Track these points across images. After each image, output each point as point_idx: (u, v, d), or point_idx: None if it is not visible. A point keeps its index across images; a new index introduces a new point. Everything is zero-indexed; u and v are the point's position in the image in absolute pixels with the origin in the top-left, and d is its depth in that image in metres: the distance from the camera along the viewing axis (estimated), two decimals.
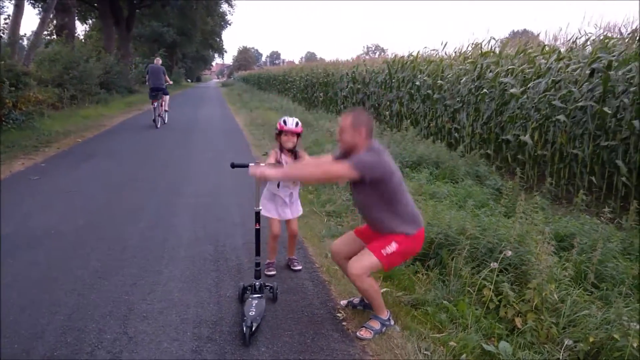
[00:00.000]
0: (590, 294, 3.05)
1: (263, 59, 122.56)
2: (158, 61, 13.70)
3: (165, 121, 13.90)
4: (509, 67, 7.98)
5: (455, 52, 10.59)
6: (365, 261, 2.81)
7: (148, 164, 8.54)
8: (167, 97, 13.75)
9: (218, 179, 7.26)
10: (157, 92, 12.95)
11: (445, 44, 10.99)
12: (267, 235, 3.85)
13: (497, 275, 3.16)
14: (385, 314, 2.96)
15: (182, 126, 14.39)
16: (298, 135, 3.70)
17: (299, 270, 3.90)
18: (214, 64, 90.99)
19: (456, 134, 9.05)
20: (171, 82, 15.50)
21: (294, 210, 3.87)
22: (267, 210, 3.77)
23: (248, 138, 11.73)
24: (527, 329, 2.76)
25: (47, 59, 16.25)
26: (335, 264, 3.38)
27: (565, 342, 2.56)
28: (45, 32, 21.29)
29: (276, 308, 3.26)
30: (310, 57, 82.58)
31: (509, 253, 3.07)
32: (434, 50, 11.30)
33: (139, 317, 3.11)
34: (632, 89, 5.65)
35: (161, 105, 13.27)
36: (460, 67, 9.62)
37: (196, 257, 4.16)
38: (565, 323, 2.77)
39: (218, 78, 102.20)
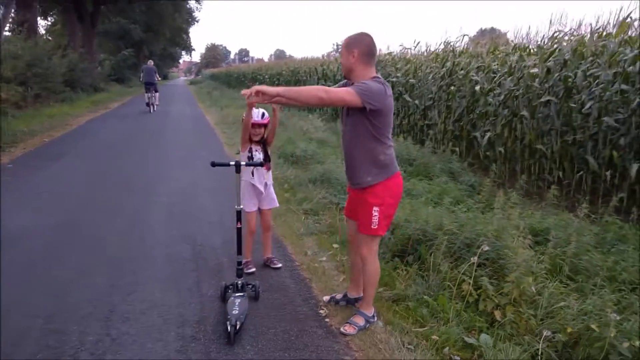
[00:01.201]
0: (566, 286, 3.15)
1: (232, 56, 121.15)
2: (150, 63, 18.22)
3: (156, 109, 17.60)
4: (479, 65, 8.16)
5: (426, 50, 10.74)
6: (367, 244, 2.88)
7: (120, 163, 8.33)
8: (157, 94, 17.91)
9: (192, 178, 7.14)
10: (150, 86, 17.25)
11: (418, 43, 11.12)
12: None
13: (476, 270, 3.23)
14: (370, 311, 2.99)
15: (152, 126, 14.12)
16: (264, 126, 3.70)
17: (279, 267, 3.89)
18: (181, 61, 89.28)
19: (429, 131, 9.19)
20: (160, 79, 20.07)
21: (269, 201, 3.86)
22: (245, 204, 3.73)
23: (220, 136, 11.59)
24: (507, 321, 2.84)
25: (8, 55, 15.61)
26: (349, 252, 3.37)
27: (544, 333, 2.64)
28: (6, 28, 20.47)
29: (259, 306, 3.24)
30: (280, 54, 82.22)
31: (486, 247, 3.15)
32: (406, 48, 11.44)
33: (121, 319, 3.04)
34: (594, 85, 5.86)
35: (155, 98, 17.57)
36: (432, 65, 9.78)
37: (175, 256, 4.09)
38: (543, 315, 2.85)
39: (186, 76, 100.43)
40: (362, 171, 2.83)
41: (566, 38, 7.05)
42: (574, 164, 6.19)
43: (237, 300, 3.04)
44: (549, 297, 2.92)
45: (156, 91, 17.58)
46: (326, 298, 3.32)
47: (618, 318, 2.44)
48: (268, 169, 3.82)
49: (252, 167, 3.70)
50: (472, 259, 3.07)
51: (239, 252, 3.23)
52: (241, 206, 3.24)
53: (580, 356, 2.52)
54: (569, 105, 6.15)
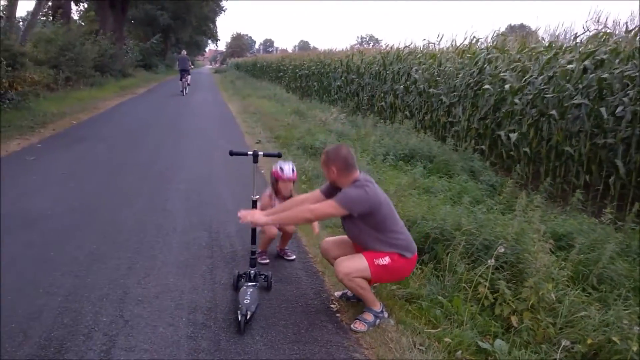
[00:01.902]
0: (588, 295, 3.05)
1: (256, 46, 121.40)
2: (184, 53, 21.44)
3: (187, 91, 19.64)
4: (512, 63, 7.92)
5: (452, 46, 10.53)
6: (356, 263, 2.81)
7: (142, 148, 8.43)
8: (189, 76, 20.43)
9: (211, 166, 7.18)
10: (184, 73, 19.63)
11: (442, 37, 10.93)
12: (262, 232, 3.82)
13: (493, 273, 3.15)
14: (378, 306, 2.94)
15: (175, 112, 14.26)
16: (294, 181, 3.69)
17: (293, 259, 3.86)
18: (207, 50, 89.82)
19: (452, 128, 9.02)
20: (193, 67, 23.98)
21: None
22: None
23: (241, 126, 11.61)
24: (524, 328, 2.76)
25: (43, 39, 15.96)
26: (327, 261, 3.34)
27: (563, 343, 2.54)
28: (41, 13, 20.89)
29: (270, 297, 3.22)
30: (304, 46, 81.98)
31: (502, 249, 3.05)
32: (430, 42, 11.24)
33: (134, 301, 3.07)
34: (630, 88, 5.65)
35: (187, 81, 19.79)
36: (459, 60, 9.58)
37: (191, 243, 4.10)
38: (562, 323, 2.76)
39: (211, 64, 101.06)
40: (374, 250, 2.85)
41: (602, 38, 6.81)
42: (602, 167, 6.00)
43: (249, 290, 3.02)
44: (569, 306, 2.83)
45: (189, 74, 20.19)
46: (338, 293, 3.28)
47: (639, 331, 2.33)
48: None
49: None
50: (489, 261, 2.98)
51: (253, 241, 3.22)
52: (257, 196, 3.22)
53: None
54: (600, 107, 5.94)
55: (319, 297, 3.27)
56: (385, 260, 2.78)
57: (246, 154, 3.21)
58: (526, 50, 8.11)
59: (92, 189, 5.65)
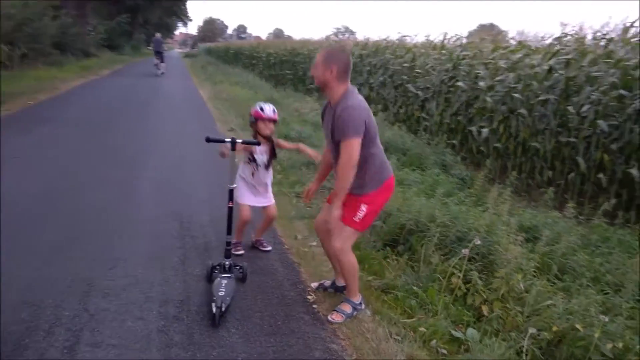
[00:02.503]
0: (553, 285, 3.16)
1: (229, 31, 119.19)
2: (158, 35, 22.71)
3: (162, 71, 21.21)
4: (487, 61, 8.05)
5: (427, 41, 10.63)
6: (344, 234, 2.80)
7: (109, 133, 8.16)
8: (164, 64, 21.82)
9: (182, 153, 7.03)
10: (158, 54, 21.48)
11: (417, 34, 11.03)
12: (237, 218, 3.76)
13: (465, 264, 3.22)
14: (357, 298, 2.96)
15: (144, 97, 13.87)
16: (274, 121, 3.61)
17: (269, 250, 3.83)
18: (177, 32, 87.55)
19: (426, 123, 9.13)
20: (167, 49, 25.74)
21: (268, 199, 3.78)
22: (240, 195, 3.65)
23: (212, 112, 11.40)
24: (494, 317, 2.84)
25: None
26: (320, 241, 3.29)
27: (530, 331, 2.63)
28: None
29: (245, 289, 3.19)
30: (278, 33, 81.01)
31: (478, 241, 3.12)
32: (406, 36, 11.32)
33: (100, 294, 2.97)
34: (594, 89, 5.84)
35: (162, 62, 21.47)
36: (436, 56, 9.68)
37: (161, 233, 4.01)
38: (529, 312, 2.85)
39: (181, 48, 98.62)
40: (354, 186, 2.76)
41: (569, 39, 7.00)
42: (564, 164, 6.20)
43: (224, 282, 2.98)
44: (536, 295, 2.92)
45: (163, 59, 21.76)
46: (314, 285, 3.28)
47: (607, 320, 2.43)
48: (267, 168, 3.69)
49: (252, 168, 3.60)
50: (463, 251, 3.04)
51: (229, 232, 3.17)
52: (234, 185, 3.16)
53: (564, 355, 2.53)
54: (566, 106, 6.13)
55: (296, 289, 3.26)
56: (363, 210, 2.76)
57: (223, 141, 3.14)
58: (499, 49, 8.26)
59: (54, 175, 5.44)
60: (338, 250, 2.83)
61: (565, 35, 7.11)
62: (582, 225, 4.57)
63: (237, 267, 3.27)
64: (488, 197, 4.93)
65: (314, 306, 3.05)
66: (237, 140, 3.13)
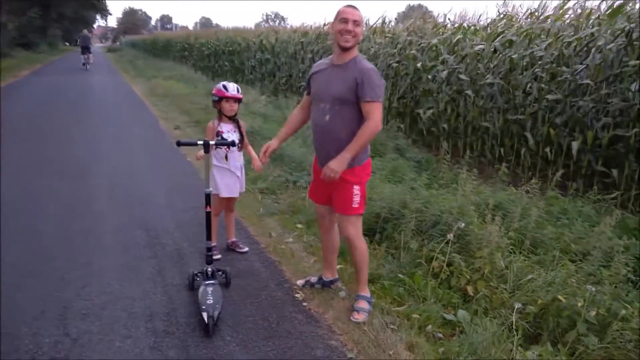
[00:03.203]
0: (527, 259, 3.32)
1: (153, 22, 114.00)
2: (85, 32, 25.34)
3: (92, 62, 23.24)
4: (429, 43, 8.21)
5: (365, 25, 10.69)
6: (352, 224, 2.82)
7: (47, 140, 7.59)
8: (91, 55, 23.66)
9: (130, 157, 6.68)
10: (85, 50, 22.81)
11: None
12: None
13: (450, 247, 3.31)
14: (368, 291, 2.96)
15: (75, 98, 13.00)
16: (239, 100, 3.49)
17: (246, 252, 3.74)
18: (95, 26, 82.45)
19: None
20: (93, 45, 28.10)
21: (241, 186, 3.67)
22: (214, 187, 3.51)
23: (152, 110, 10.91)
24: (481, 296, 2.94)
25: None
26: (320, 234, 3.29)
27: (516, 306, 2.75)
28: None
29: (231, 294, 3.10)
30: (206, 22, 78.63)
31: (462, 224, 3.22)
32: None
33: (78, 315, 2.78)
34: (536, 67, 6.16)
35: (89, 58, 22.94)
36: (378, 40, 9.78)
37: (128, 244, 3.80)
38: (512, 288, 2.98)
39: (102, 42, 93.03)
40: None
41: (506, 19, 7.33)
42: (514, 140, 6.52)
43: (210, 289, 2.88)
44: (516, 271, 3.05)
45: (90, 52, 23.26)
46: (301, 282, 3.24)
47: (594, 290, 2.58)
48: (240, 149, 3.60)
49: (224, 152, 3.47)
50: (448, 236, 3.13)
51: (209, 237, 3.06)
52: (210, 189, 3.04)
53: (551, 326, 2.66)
54: (512, 85, 6.42)
55: (282, 288, 3.21)
56: (357, 193, 2.78)
57: (196, 144, 3.00)
58: (439, 31, 8.48)
59: None
60: (351, 240, 2.83)
61: (503, 16, 7.42)
62: (537, 198, 4.81)
63: (220, 273, 3.16)
64: (450, 178, 5.12)
65: (304, 304, 3.02)
66: (211, 142, 3.00)
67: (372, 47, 9.75)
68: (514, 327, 2.66)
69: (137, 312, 2.84)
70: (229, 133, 3.50)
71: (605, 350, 2.41)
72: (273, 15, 61.94)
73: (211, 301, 2.76)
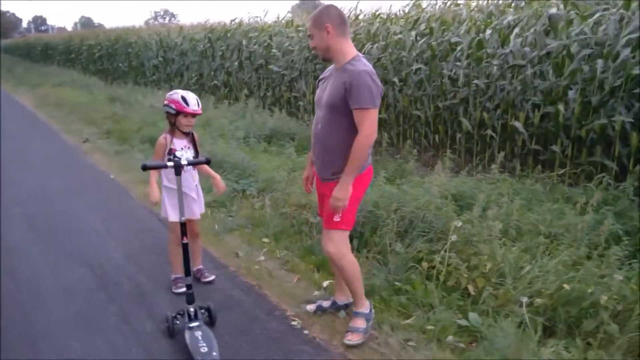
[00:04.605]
0: (514, 248, 3.29)
1: (24, 24, 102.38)
2: None
3: None
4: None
5: (277, 19, 10.44)
6: (330, 239, 2.53)
7: None
8: None
9: (43, 177, 5.77)
10: None
11: (267, 12, 10.70)
12: (165, 243, 3.17)
13: (434, 246, 3.19)
14: (366, 306, 2.68)
15: None
16: (198, 115, 3.05)
17: (212, 280, 3.28)
18: None
19: (299, 103, 8.99)
20: None
21: (200, 205, 3.22)
22: (168, 212, 3.06)
23: (50, 123, 9.66)
24: (486, 295, 2.84)
25: None
26: None
27: (523, 300, 2.70)
28: None
29: (220, 333, 2.69)
30: (87, 22, 72.22)
31: (460, 223, 3.10)
32: (256, 17, 10.96)
33: None
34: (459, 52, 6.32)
35: None
36: (290, 34, 9.51)
37: (73, 287, 3.19)
38: (512, 282, 2.92)
39: None
40: (337, 165, 2.46)
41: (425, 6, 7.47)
42: (447, 127, 6.66)
43: (198, 333, 2.48)
44: (512, 263, 3.01)
45: None
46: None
47: (621, 278, 2.58)
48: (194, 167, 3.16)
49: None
50: (451, 237, 2.99)
51: (187, 273, 2.62)
52: (184, 218, 2.59)
53: (563, 317, 2.64)
54: (439, 72, 6.53)
55: (274, 317, 2.87)
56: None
57: (165, 166, 2.54)
58: (357, 21, 8.43)
59: None
60: (333, 255, 2.54)
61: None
62: (488, 182, 4.87)
63: (203, 311, 2.74)
64: (394, 170, 5.06)
65: (306, 332, 2.72)
66: (182, 163, 2.55)
67: (284, 42, 9.49)
68: (527, 324, 2.59)
69: None
70: (183, 150, 3.04)
71: (629, 339, 2.39)
72: (162, 12, 58.65)
73: (205, 349, 2.37)
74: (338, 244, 2.54)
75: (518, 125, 5.46)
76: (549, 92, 5.47)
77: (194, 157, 3.02)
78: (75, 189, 5.36)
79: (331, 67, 2.60)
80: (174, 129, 3.02)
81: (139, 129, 7.78)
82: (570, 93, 5.10)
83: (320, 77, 2.66)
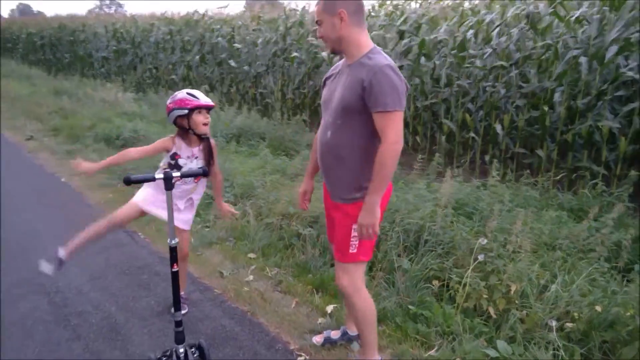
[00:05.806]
0: (531, 263, 3.05)
1: None
2: None
3: None
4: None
5: (245, 11, 9.90)
6: (346, 273, 2.14)
7: None
8: None
9: None
10: None
11: (227, 4, 10.18)
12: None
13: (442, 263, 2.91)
14: (377, 355, 2.27)
15: None
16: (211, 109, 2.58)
17: (186, 313, 2.77)
18: None
19: (266, 100, 8.53)
20: None
21: (186, 221, 2.76)
22: (145, 200, 2.63)
23: None
24: (512, 320, 2.57)
25: None
26: None
27: (553, 324, 2.46)
28: None
29: None
30: (25, 9, 67.42)
31: (485, 241, 2.80)
32: (221, 7, 10.38)
33: None
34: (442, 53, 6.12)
35: None
36: (254, 27, 9.03)
37: (30, 323, 2.64)
38: (534, 302, 2.68)
39: None
40: (350, 183, 2.05)
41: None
42: (427, 128, 6.45)
43: None
44: (536, 282, 2.77)
45: None
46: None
47: None
48: (199, 189, 2.73)
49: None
50: (479, 257, 2.69)
51: (177, 307, 2.17)
52: (174, 241, 2.14)
53: (597, 342, 2.42)
54: (419, 72, 6.30)
55: (277, 351, 2.47)
56: (356, 234, 2.07)
57: (153, 179, 2.06)
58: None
59: None
60: (345, 291, 2.14)
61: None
62: (483, 188, 4.64)
63: (193, 350, 2.29)
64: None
65: None
66: (174, 174, 2.09)
67: (248, 35, 9.01)
68: (562, 353, 2.35)
69: None
70: (189, 159, 2.59)
71: None
72: (108, 1, 55.63)
73: None
74: (353, 276, 2.14)
75: (498, 128, 5.31)
76: (533, 95, 5.36)
77: (205, 166, 2.54)
78: (21, 195, 4.69)
79: (340, 62, 2.17)
80: (187, 133, 2.54)
81: (92, 125, 7.06)
82: (556, 96, 4.99)
83: (327, 74, 2.23)
